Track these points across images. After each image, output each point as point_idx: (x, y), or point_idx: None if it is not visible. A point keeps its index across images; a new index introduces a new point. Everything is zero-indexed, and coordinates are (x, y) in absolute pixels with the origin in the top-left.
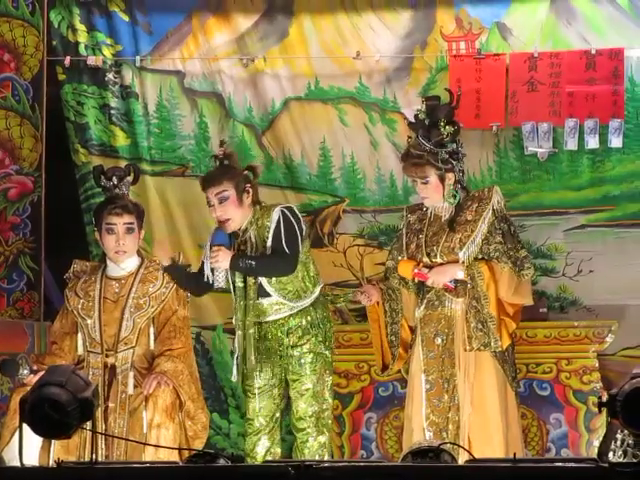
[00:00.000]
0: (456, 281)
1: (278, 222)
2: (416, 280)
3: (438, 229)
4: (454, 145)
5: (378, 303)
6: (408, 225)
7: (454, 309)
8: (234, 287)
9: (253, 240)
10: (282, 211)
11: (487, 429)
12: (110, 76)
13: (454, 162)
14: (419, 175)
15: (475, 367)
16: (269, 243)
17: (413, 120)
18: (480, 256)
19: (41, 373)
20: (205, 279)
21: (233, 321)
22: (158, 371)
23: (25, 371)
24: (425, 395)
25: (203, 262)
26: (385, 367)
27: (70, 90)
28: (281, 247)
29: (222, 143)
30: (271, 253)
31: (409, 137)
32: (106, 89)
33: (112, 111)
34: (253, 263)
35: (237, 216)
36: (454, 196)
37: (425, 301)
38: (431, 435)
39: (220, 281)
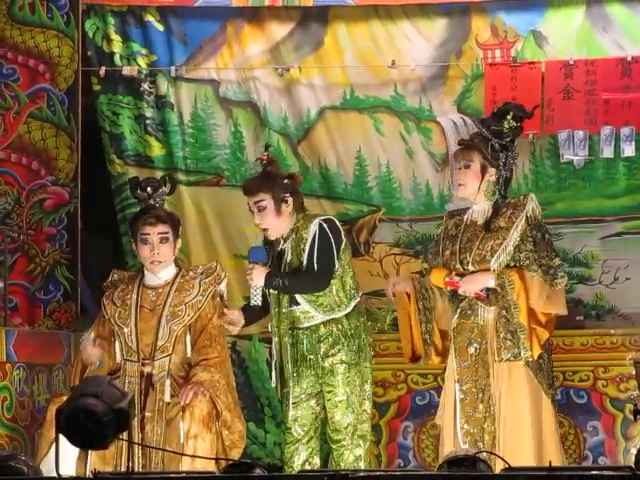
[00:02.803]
0: (488, 289)
1: (314, 236)
2: (448, 289)
3: (472, 235)
4: (511, 143)
5: (409, 296)
6: (445, 230)
7: (486, 318)
8: (269, 294)
9: (290, 252)
10: (320, 224)
11: (518, 439)
12: (145, 86)
13: (503, 158)
14: (464, 157)
15: (508, 377)
16: (304, 257)
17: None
18: (512, 264)
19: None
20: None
21: (269, 328)
22: (195, 381)
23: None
24: (460, 405)
25: None
26: (415, 358)
27: (105, 101)
28: (314, 264)
29: (267, 147)
30: (305, 270)
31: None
32: (141, 99)
33: (147, 121)
34: (286, 282)
35: (275, 225)
36: (493, 194)
37: (459, 310)
38: (467, 445)
39: (257, 299)
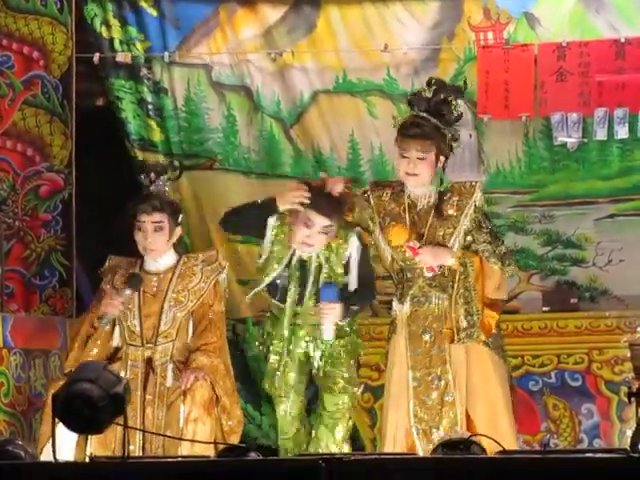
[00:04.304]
0: (440, 267)
1: (357, 250)
2: (405, 254)
3: (419, 220)
4: (457, 129)
5: None
6: (379, 202)
7: (441, 305)
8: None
9: (327, 266)
10: (358, 236)
11: (495, 416)
12: (145, 71)
13: (453, 146)
14: (420, 149)
15: (468, 358)
16: (353, 272)
17: (414, 96)
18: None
19: None
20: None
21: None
22: (195, 366)
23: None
24: (413, 392)
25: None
26: None
27: (109, 85)
28: (365, 276)
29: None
30: (359, 285)
31: (394, 117)
32: (142, 84)
33: (148, 106)
34: (356, 308)
35: (317, 242)
36: (441, 181)
37: (409, 298)
38: (420, 431)
39: (330, 334)
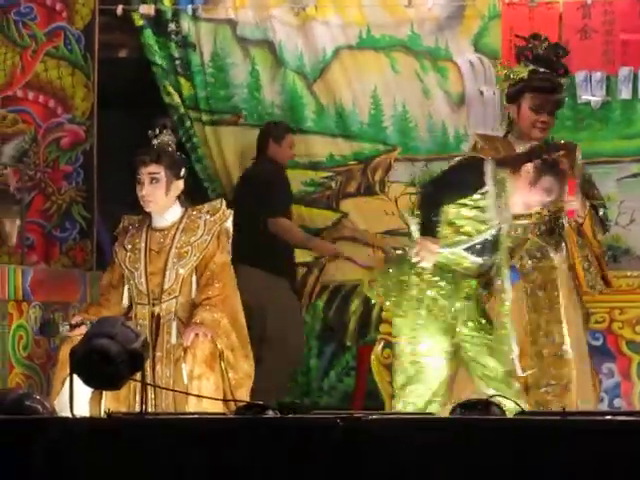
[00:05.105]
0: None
1: None
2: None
3: None
4: None
5: None
6: None
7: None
8: None
9: None
10: None
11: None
12: (172, 26)
13: None
14: (550, 109)
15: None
16: None
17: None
18: None
19: (82, 327)
20: None
21: None
22: (195, 322)
23: (65, 327)
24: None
25: None
26: None
27: (149, 35)
28: None
29: None
30: None
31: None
32: (170, 39)
33: (176, 62)
34: None
35: None
36: None
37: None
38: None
39: None
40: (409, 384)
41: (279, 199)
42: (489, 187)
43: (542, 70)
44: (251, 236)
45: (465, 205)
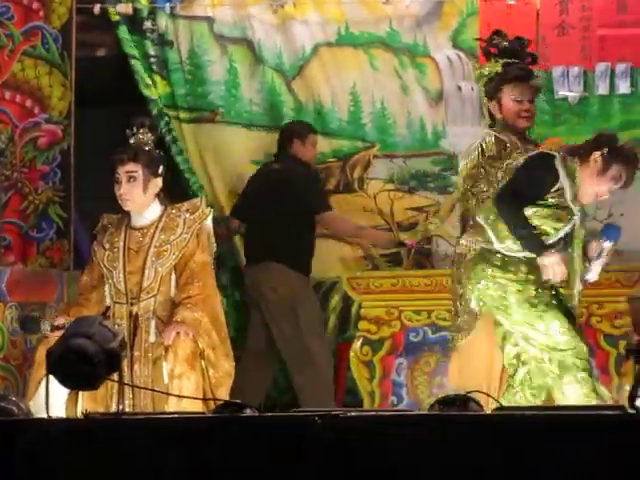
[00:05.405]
0: None
1: None
2: None
3: None
4: None
5: None
6: None
7: None
8: None
9: None
10: None
11: None
12: (148, 24)
13: None
14: (531, 97)
15: None
16: None
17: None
18: None
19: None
20: None
21: None
22: (176, 320)
23: (47, 326)
24: None
25: None
26: None
27: (124, 31)
28: None
29: None
30: None
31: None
32: (145, 38)
33: (152, 59)
34: None
35: None
36: None
37: None
38: None
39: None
40: None
41: (322, 194)
42: (563, 183)
43: (513, 60)
44: (292, 234)
45: (540, 205)
